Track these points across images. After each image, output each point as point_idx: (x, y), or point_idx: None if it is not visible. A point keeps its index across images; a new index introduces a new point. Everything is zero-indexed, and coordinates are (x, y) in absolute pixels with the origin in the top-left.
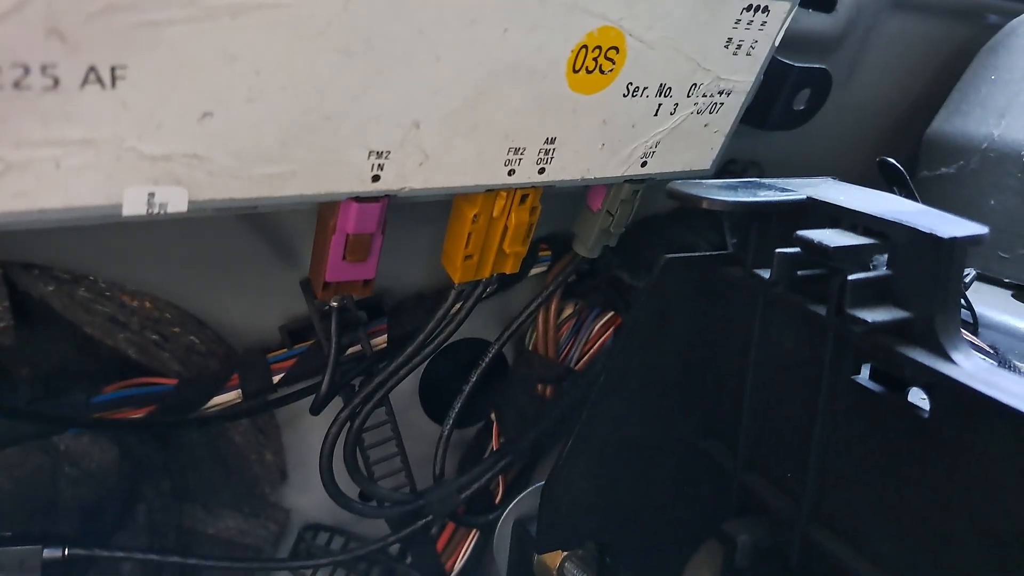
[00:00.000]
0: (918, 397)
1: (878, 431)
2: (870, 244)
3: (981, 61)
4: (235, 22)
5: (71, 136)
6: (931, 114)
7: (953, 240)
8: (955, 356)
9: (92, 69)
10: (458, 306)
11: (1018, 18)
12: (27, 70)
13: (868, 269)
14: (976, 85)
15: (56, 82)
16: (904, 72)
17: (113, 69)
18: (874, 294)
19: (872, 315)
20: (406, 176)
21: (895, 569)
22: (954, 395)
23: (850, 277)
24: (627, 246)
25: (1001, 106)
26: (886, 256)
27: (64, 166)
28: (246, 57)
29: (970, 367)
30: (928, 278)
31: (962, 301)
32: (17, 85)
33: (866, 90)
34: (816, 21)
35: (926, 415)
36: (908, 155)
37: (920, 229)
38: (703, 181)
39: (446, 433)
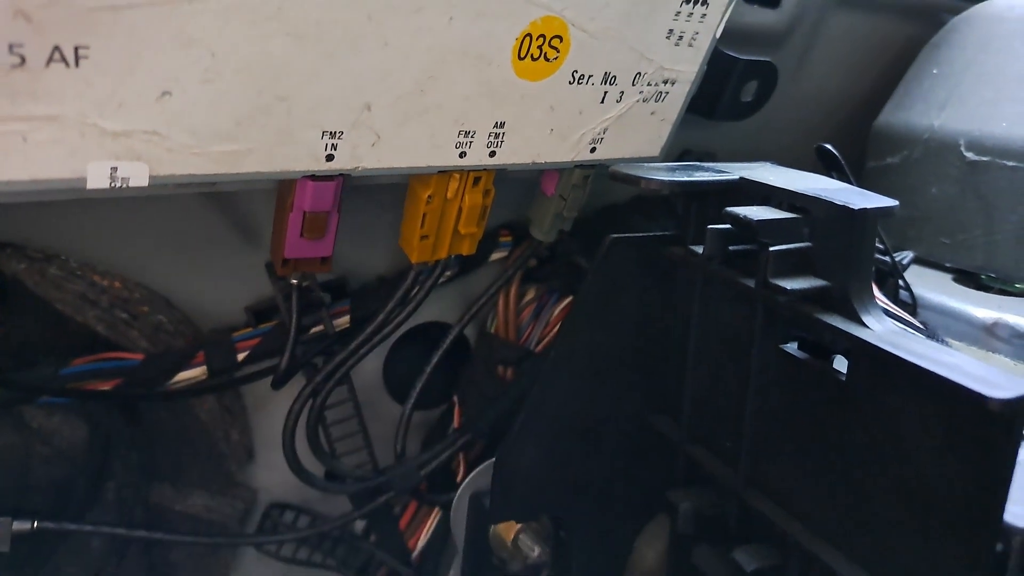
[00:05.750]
0: (841, 365)
1: (804, 397)
2: (791, 218)
3: (925, 56)
4: (191, 7)
5: (37, 112)
6: (880, 107)
7: (864, 211)
8: (867, 320)
9: (56, 48)
10: (418, 287)
11: (959, 15)
12: None
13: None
14: (919, 79)
15: (23, 60)
16: (853, 66)
17: (76, 49)
18: (796, 265)
19: (793, 284)
20: (359, 156)
21: (822, 528)
22: (866, 357)
23: (772, 248)
24: (586, 233)
25: (942, 99)
26: None
27: (31, 140)
28: (202, 40)
29: (881, 330)
30: (842, 247)
31: (901, 283)
32: None
33: (816, 83)
34: (761, 16)
35: (844, 379)
36: (858, 146)
37: (835, 202)
38: (644, 164)
39: (407, 412)
